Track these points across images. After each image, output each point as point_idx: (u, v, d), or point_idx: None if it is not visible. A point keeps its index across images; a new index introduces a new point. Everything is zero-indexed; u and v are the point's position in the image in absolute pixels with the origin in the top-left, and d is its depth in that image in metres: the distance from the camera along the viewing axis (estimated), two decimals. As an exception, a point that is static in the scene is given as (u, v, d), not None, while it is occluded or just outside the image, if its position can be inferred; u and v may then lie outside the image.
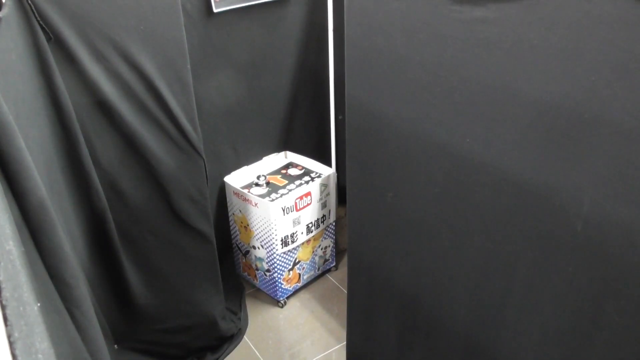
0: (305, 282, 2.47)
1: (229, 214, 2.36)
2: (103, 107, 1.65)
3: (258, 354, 2.13)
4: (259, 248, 2.26)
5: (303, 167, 2.40)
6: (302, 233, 2.27)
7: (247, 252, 2.36)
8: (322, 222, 2.37)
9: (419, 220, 1.25)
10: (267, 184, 2.25)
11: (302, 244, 2.32)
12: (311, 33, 2.31)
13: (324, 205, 2.33)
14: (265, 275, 2.33)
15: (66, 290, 0.98)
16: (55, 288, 0.93)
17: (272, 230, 2.14)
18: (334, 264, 2.60)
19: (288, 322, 2.32)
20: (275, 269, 2.26)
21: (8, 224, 0.62)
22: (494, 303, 1.11)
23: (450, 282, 1.23)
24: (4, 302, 0.45)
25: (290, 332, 2.28)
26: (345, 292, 1.71)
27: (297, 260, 2.33)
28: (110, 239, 1.71)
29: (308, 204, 2.24)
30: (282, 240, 2.19)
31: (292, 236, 2.23)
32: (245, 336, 2.21)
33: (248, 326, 2.27)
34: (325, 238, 2.45)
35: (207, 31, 1.96)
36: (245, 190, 2.19)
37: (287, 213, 2.15)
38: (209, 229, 1.87)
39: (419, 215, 1.24)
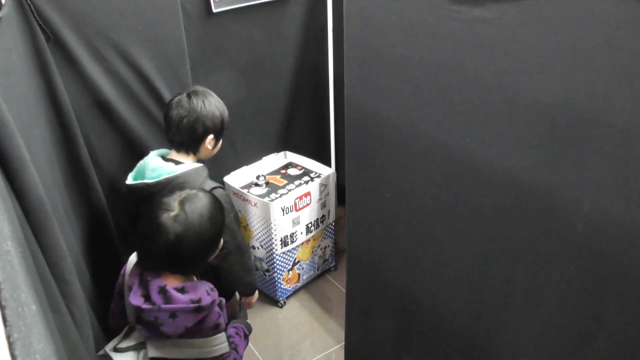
0: (304, 282, 2.47)
1: (229, 214, 2.36)
2: (102, 108, 1.65)
3: (257, 354, 2.13)
4: (258, 248, 2.26)
5: (302, 167, 2.40)
6: (301, 233, 2.27)
7: (247, 252, 2.36)
8: (322, 222, 2.37)
9: (418, 220, 1.25)
10: (267, 184, 2.25)
11: (302, 244, 2.31)
12: (310, 33, 2.31)
13: (323, 205, 2.33)
14: (265, 275, 2.33)
15: (65, 287, 0.98)
16: (55, 286, 0.93)
17: (272, 231, 2.14)
18: (333, 264, 2.60)
19: (287, 323, 2.32)
20: (275, 269, 2.26)
21: (7, 223, 0.61)
22: (494, 304, 1.11)
23: (449, 282, 1.22)
24: (3, 303, 0.45)
25: (290, 332, 2.28)
26: (345, 292, 1.71)
27: (296, 261, 2.33)
28: (109, 239, 1.71)
29: (307, 204, 2.24)
30: (281, 240, 2.19)
31: (291, 236, 2.23)
32: (244, 336, 2.21)
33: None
34: (324, 238, 2.45)
35: (207, 31, 1.96)
36: (245, 190, 2.19)
37: (286, 213, 2.15)
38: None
39: (418, 215, 1.24)
